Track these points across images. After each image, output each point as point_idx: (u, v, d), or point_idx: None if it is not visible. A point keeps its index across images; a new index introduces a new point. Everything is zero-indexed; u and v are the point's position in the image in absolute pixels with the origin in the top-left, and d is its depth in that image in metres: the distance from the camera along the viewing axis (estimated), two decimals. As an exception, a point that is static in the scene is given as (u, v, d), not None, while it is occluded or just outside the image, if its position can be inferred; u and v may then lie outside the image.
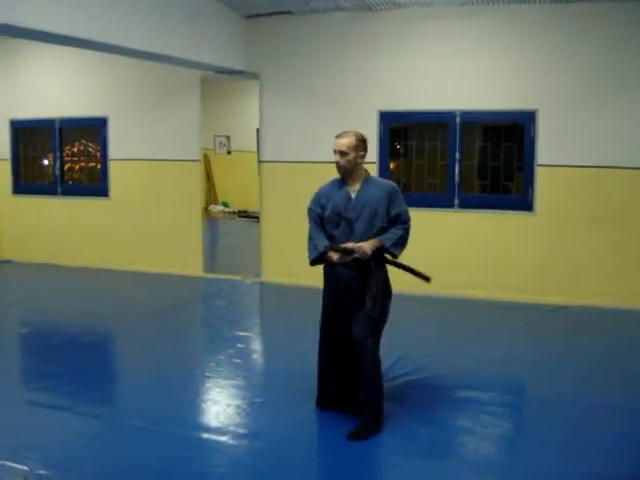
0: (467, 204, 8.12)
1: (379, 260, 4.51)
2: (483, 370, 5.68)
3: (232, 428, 4.50)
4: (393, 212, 4.52)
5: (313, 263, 4.62)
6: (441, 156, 8.28)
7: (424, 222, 8.12)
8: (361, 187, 4.55)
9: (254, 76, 8.79)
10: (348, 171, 4.52)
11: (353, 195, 4.54)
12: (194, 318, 7.72)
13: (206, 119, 9.35)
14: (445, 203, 8.18)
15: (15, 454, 4.07)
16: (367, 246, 4.40)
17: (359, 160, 4.52)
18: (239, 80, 9.07)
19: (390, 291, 4.61)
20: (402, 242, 4.54)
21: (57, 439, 4.33)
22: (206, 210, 9.76)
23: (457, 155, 8.07)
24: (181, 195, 9.39)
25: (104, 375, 5.80)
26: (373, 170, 8.25)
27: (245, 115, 10.44)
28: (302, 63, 8.60)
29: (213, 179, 12.74)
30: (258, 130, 9.05)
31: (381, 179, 4.98)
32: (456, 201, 8.12)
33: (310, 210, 4.66)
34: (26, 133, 10.55)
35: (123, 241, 9.75)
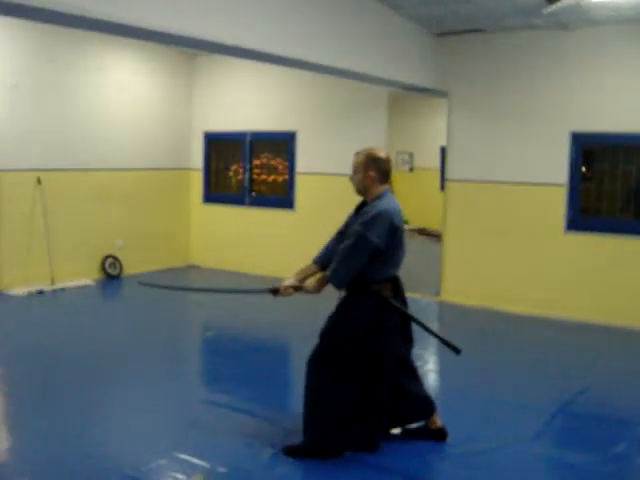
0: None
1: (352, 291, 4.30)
2: None
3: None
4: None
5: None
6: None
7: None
8: (363, 209, 4.30)
9: (443, 94, 8.73)
10: (360, 190, 4.34)
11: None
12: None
13: (390, 135, 9.40)
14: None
15: (197, 450, 4.26)
16: (310, 283, 4.45)
17: (368, 180, 4.25)
18: (425, 97, 9.04)
19: (361, 330, 4.20)
20: (336, 271, 4.20)
21: (239, 441, 4.44)
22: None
23: None
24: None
25: (283, 382, 5.95)
26: (562, 193, 7.92)
27: (429, 132, 10.37)
28: (493, 81, 8.43)
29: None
30: (443, 148, 8.97)
31: (382, 202, 4.21)
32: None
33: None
34: (219, 145, 11.11)
35: (306, 252, 9.92)
